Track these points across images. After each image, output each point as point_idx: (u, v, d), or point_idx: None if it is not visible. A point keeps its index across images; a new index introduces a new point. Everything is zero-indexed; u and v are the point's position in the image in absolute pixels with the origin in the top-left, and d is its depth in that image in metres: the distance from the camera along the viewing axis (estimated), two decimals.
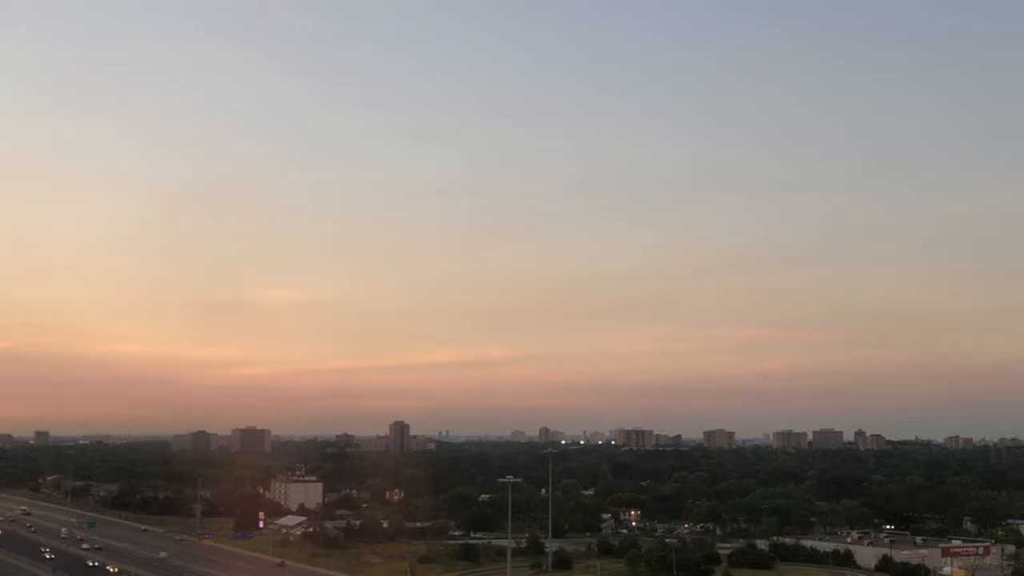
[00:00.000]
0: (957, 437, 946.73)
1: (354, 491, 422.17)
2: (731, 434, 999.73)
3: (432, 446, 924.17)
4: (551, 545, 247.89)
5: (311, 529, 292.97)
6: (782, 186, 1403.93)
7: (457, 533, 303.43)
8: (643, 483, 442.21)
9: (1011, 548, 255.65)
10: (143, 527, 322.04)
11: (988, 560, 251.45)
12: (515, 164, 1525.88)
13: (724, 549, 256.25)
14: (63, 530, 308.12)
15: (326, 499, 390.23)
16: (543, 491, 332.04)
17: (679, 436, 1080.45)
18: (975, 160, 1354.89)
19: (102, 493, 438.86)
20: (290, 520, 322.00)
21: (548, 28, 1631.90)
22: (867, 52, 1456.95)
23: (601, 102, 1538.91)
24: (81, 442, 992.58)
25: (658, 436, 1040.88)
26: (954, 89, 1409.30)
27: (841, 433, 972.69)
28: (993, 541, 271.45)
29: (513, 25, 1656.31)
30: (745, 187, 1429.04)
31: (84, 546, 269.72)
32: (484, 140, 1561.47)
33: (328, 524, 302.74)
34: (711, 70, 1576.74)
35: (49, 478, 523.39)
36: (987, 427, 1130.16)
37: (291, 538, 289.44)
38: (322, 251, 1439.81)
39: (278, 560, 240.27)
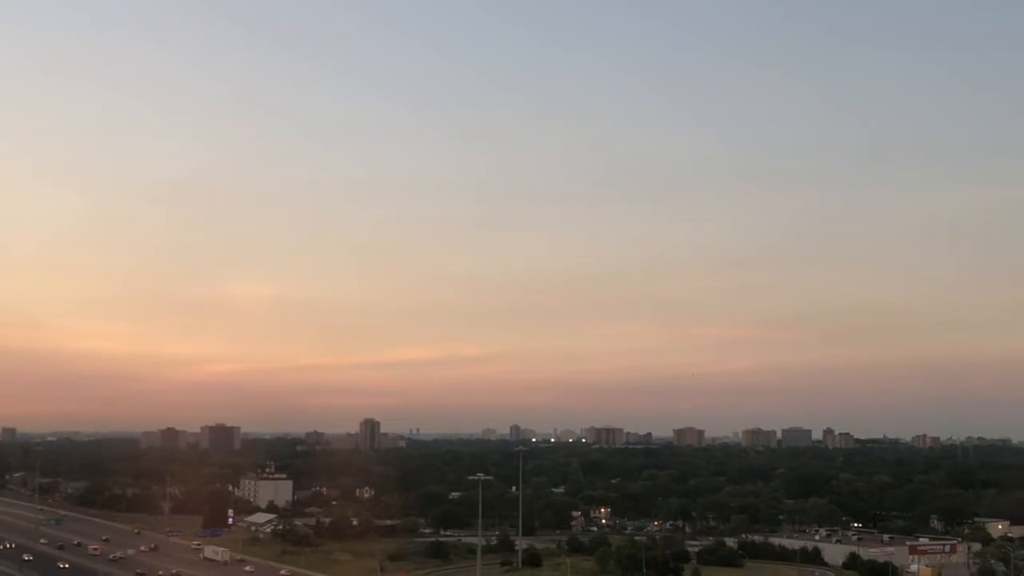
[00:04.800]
0: (924, 436, 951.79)
1: (324, 489, 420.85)
2: (701, 432, 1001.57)
3: (403, 443, 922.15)
4: (521, 543, 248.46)
5: (281, 526, 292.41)
6: (755, 186, 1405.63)
7: (427, 531, 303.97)
8: (613, 481, 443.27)
9: (977, 546, 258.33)
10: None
11: (955, 558, 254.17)
12: (488, 162, 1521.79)
13: (693, 547, 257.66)
14: None
15: (296, 496, 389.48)
16: (514, 489, 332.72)
17: (649, 434, 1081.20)
18: (949, 162, 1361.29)
19: (70, 490, 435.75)
20: (260, 517, 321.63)
21: (537, 18, 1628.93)
22: (854, 56, 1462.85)
23: (581, 99, 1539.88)
24: (49, 439, 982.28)
25: (628, 434, 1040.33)
26: (939, 92, 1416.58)
27: (810, 431, 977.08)
28: (960, 539, 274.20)
29: (499, 13, 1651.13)
30: (718, 186, 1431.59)
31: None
32: (458, 136, 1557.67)
33: (298, 522, 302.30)
34: (698, 67, 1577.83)
35: (16, 475, 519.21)
36: (954, 426, 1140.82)
37: (261, 535, 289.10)
38: (293, 247, 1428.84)
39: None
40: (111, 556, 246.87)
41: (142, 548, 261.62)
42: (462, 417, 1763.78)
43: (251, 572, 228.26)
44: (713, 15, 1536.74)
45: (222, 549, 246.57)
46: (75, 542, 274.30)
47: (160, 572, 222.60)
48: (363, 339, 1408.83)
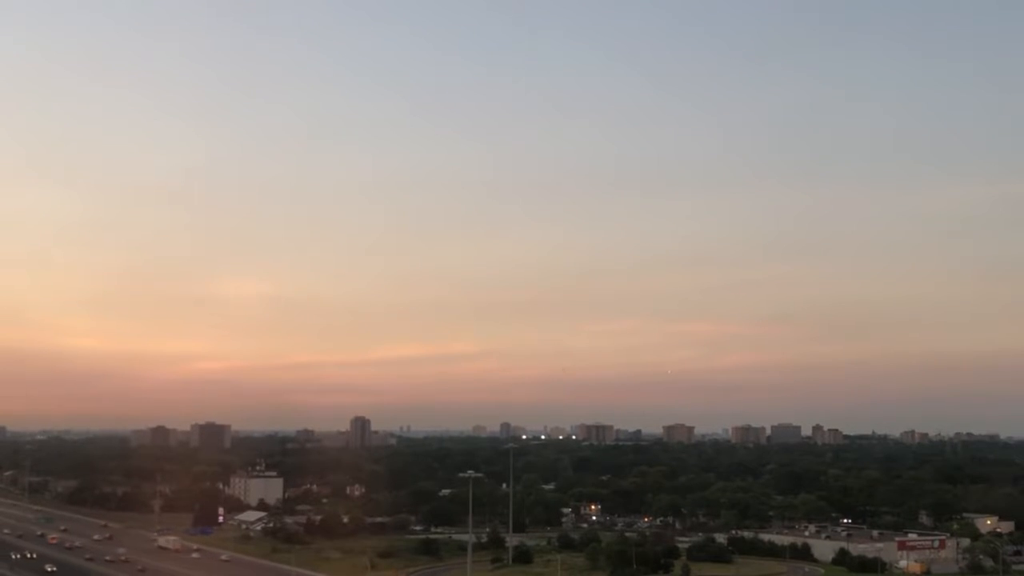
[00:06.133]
0: (913, 432, 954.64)
1: (314, 486, 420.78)
2: (690, 429, 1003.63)
3: (393, 441, 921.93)
4: (512, 540, 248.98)
5: (271, 524, 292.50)
6: (746, 183, 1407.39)
7: (418, 528, 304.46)
8: (603, 478, 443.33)
9: (966, 542, 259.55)
10: (103, 523, 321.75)
11: (943, 553, 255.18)
12: (480, 159, 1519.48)
13: (683, 543, 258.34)
14: None
15: (286, 494, 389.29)
16: (504, 486, 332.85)
17: (639, 431, 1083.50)
18: (938, 160, 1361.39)
19: (60, 489, 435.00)
20: (250, 515, 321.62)
21: (527, 11, 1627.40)
22: (852, 52, 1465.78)
23: (573, 95, 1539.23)
24: (39, 437, 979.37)
25: (618, 431, 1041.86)
26: (916, 91, 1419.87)
27: (799, 428, 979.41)
28: (949, 535, 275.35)
29: (494, 7, 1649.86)
30: (710, 183, 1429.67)
31: None
32: (449, 133, 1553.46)
33: (288, 519, 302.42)
34: (696, 62, 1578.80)
35: (6, 473, 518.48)
36: (942, 422, 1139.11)
37: (251, 533, 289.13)
38: (284, 244, 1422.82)
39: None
40: (67, 544, 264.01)
41: (96, 537, 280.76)
42: (452, 414, 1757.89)
43: (197, 559, 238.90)
44: (713, 9, 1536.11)
45: (174, 538, 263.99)
46: (38, 533, 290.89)
47: (107, 557, 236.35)
48: (354, 336, 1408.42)
